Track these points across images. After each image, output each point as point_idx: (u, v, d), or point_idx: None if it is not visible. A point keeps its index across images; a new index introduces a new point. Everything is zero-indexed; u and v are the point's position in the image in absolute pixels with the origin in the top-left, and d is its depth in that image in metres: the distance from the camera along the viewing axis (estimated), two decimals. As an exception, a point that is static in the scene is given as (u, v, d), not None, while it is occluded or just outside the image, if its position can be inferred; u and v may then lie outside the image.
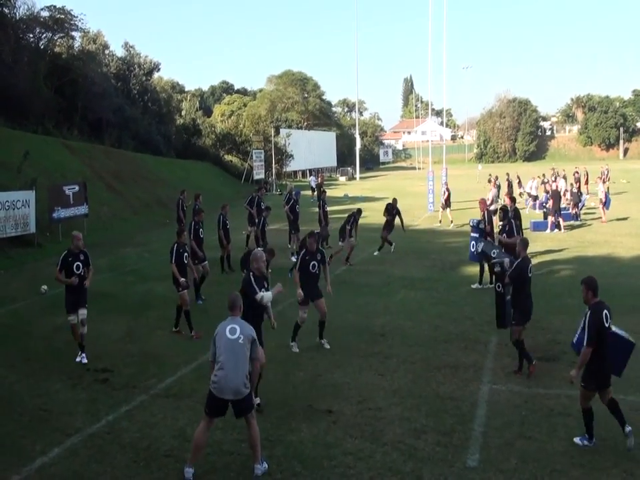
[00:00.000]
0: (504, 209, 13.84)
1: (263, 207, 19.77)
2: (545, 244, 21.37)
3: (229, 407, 6.73)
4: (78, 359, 10.43)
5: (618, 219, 27.18)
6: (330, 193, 40.06)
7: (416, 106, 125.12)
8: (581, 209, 27.71)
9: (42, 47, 39.73)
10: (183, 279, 11.93)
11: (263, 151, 56.30)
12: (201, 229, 15.16)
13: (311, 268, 10.75)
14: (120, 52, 52.43)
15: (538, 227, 24.90)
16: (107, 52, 49.92)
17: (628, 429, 7.08)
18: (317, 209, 21.92)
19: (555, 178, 33.69)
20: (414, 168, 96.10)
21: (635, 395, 8.64)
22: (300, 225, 20.38)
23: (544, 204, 27.06)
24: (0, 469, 6.33)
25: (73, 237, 10.82)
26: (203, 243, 15.19)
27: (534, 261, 18.14)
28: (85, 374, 9.86)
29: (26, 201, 21.25)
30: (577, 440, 7.39)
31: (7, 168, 23.75)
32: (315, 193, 40.17)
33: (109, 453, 7.31)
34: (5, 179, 22.56)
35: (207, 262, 14.90)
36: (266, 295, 8.21)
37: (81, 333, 10.54)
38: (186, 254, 12.27)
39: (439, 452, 7.21)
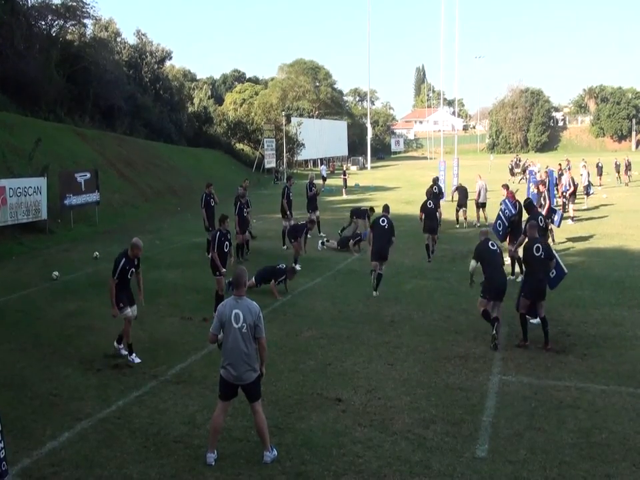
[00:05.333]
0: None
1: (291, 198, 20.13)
2: (556, 235, 21.21)
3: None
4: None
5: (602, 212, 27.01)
6: (340, 182, 40.08)
7: (428, 95, 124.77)
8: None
9: (54, 35, 39.66)
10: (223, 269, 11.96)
11: (274, 139, 56.22)
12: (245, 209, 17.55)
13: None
14: (132, 40, 52.68)
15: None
16: (118, 40, 50.01)
17: None
18: (328, 198, 21.95)
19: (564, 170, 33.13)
20: (425, 158, 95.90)
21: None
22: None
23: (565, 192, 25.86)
24: (10, 452, 6.37)
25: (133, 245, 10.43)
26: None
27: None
28: (95, 359, 9.90)
29: (37, 187, 21.31)
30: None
31: (18, 155, 23.83)
32: (326, 182, 40.11)
33: (119, 438, 7.35)
34: (17, 165, 22.64)
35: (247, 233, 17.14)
36: None
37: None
38: (227, 242, 12.18)
39: (447, 442, 7.20)
